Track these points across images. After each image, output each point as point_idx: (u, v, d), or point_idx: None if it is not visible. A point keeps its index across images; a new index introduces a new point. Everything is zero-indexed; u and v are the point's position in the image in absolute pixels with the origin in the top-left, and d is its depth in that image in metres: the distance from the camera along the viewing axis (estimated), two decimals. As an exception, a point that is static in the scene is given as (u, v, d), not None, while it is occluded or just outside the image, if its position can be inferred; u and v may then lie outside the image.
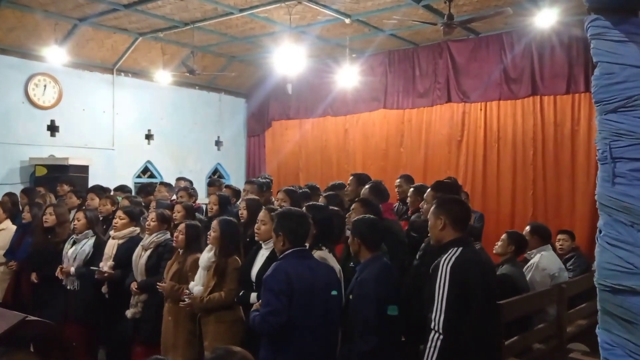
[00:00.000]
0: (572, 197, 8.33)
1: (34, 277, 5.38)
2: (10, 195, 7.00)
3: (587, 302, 4.87)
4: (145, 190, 7.35)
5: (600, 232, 1.52)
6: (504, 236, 4.63)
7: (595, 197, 1.54)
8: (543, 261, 4.73)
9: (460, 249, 2.83)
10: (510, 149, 8.96)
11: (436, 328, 2.67)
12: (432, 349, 2.67)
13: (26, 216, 6.06)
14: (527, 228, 5.04)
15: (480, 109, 9.31)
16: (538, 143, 8.70)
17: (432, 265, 2.88)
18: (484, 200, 8.88)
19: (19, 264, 5.80)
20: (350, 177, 5.69)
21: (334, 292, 3.20)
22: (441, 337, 2.65)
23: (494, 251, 4.70)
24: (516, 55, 8.83)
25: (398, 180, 6.29)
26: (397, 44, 9.94)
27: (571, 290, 4.70)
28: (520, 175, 8.85)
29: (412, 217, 4.94)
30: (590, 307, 4.78)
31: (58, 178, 7.98)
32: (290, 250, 3.17)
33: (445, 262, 2.77)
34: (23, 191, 7.31)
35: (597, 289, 1.52)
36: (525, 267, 4.74)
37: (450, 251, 2.83)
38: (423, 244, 3.89)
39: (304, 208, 3.84)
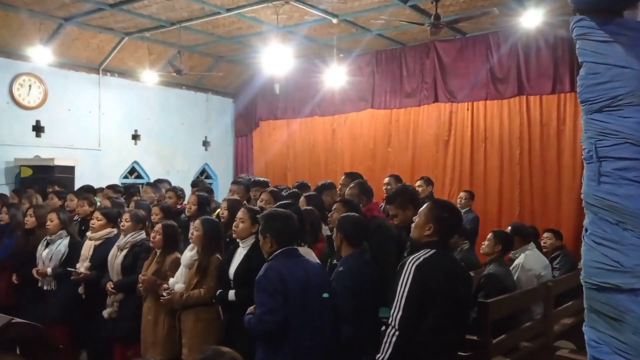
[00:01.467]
0: (559, 196, 8.42)
1: (14, 278, 5.35)
2: (1, 196, 6.92)
3: (574, 300, 4.91)
4: (128, 191, 7.31)
5: (586, 230, 1.53)
6: (490, 235, 4.65)
7: (582, 196, 1.55)
8: (528, 261, 4.76)
9: (433, 251, 2.82)
10: (497, 149, 9.02)
11: (393, 324, 2.70)
12: (387, 344, 2.71)
13: (3, 217, 5.99)
14: (508, 229, 5.06)
15: (467, 109, 9.37)
16: (524, 142, 8.77)
17: (400, 263, 2.89)
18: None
19: None
20: (343, 176, 5.70)
21: (325, 295, 3.21)
22: (397, 333, 2.68)
23: (481, 251, 4.72)
24: (502, 55, 8.90)
25: (387, 179, 6.30)
26: (385, 44, 9.97)
27: (557, 289, 4.74)
28: (507, 175, 8.92)
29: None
30: (577, 305, 4.84)
31: (44, 179, 7.90)
32: (279, 250, 3.18)
33: (412, 262, 2.77)
34: (14, 191, 7.30)
35: (584, 287, 1.54)
36: (511, 266, 4.77)
37: (421, 251, 2.84)
38: (410, 241, 3.92)
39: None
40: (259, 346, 3.12)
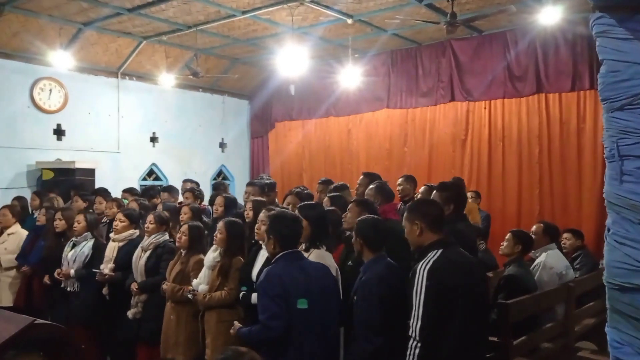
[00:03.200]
0: (579, 195, 8.30)
1: (46, 279, 5.42)
2: (19, 199, 7.05)
3: (595, 300, 4.85)
4: (147, 193, 7.39)
5: (608, 230, 1.51)
6: (508, 236, 4.60)
7: (604, 195, 1.53)
8: (549, 260, 4.71)
9: (440, 251, 2.73)
10: (516, 148, 8.93)
11: (414, 335, 2.60)
12: (410, 356, 2.61)
13: (41, 219, 6.07)
14: (540, 227, 4.98)
15: (485, 108, 9.29)
16: (544, 141, 8.67)
17: (411, 271, 2.79)
18: (490, 200, 8.86)
19: (31, 267, 5.82)
20: (361, 177, 5.68)
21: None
22: (419, 344, 2.58)
23: (500, 252, 4.68)
24: (520, 53, 8.81)
25: (400, 180, 6.28)
26: (400, 44, 9.93)
27: (579, 289, 4.68)
28: (526, 174, 8.82)
29: None
30: (599, 305, 4.77)
31: (65, 182, 8.02)
32: (281, 254, 3.17)
33: (422, 267, 2.68)
34: (35, 193, 7.40)
35: (606, 287, 1.52)
36: (532, 266, 4.72)
37: (428, 255, 2.75)
38: None
39: (296, 209, 3.87)
40: (262, 353, 3.08)
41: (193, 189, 6.81)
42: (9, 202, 7.04)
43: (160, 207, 6.13)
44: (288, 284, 3.01)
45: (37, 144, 8.87)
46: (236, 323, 3.51)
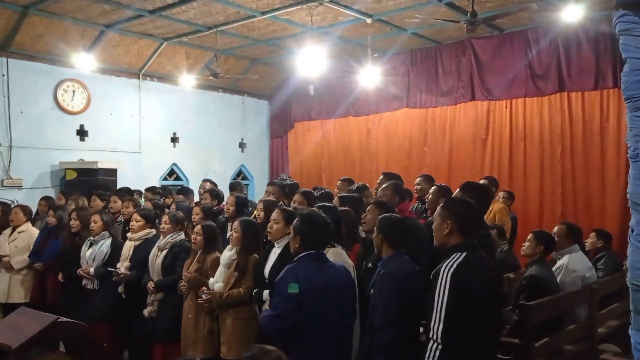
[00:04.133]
0: (602, 196, 8.17)
1: (60, 277, 5.54)
2: (46, 199, 7.20)
3: (619, 302, 4.77)
4: (160, 193, 7.52)
5: (632, 231, 1.49)
6: (530, 236, 4.55)
7: (627, 196, 1.51)
8: (572, 262, 4.63)
9: (464, 254, 2.70)
10: (537, 147, 8.82)
11: (434, 337, 2.58)
12: (430, 358, 2.60)
13: (51, 220, 6.21)
14: (563, 228, 4.89)
15: (506, 107, 9.19)
16: (566, 140, 8.55)
17: (433, 272, 2.76)
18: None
19: (44, 264, 5.95)
20: (381, 176, 5.68)
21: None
22: (440, 347, 2.56)
23: (522, 252, 4.63)
24: (542, 51, 8.70)
25: (418, 179, 6.25)
26: (420, 43, 9.88)
27: (602, 291, 4.61)
28: (548, 174, 8.71)
29: (432, 217, 4.87)
30: (622, 307, 4.69)
31: (87, 181, 8.15)
32: (304, 253, 3.18)
33: (446, 269, 2.65)
34: (62, 192, 7.58)
35: (630, 288, 1.50)
36: (554, 267, 4.66)
37: (452, 257, 2.71)
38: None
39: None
40: (277, 347, 3.13)
41: (211, 190, 6.87)
42: (33, 202, 7.23)
43: (173, 207, 6.22)
44: (305, 285, 3.02)
45: (61, 145, 9.03)
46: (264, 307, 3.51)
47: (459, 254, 2.70)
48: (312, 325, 3.02)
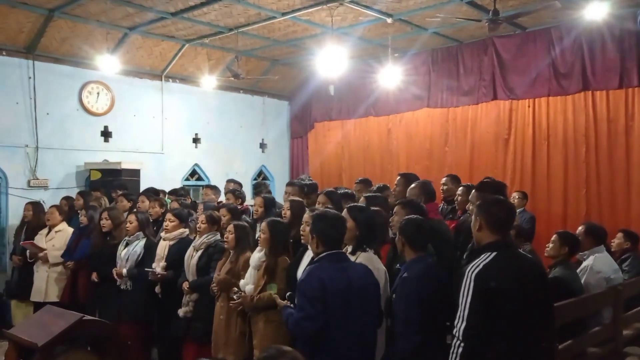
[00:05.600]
0: (627, 196, 8.02)
1: (94, 276, 5.62)
2: (67, 198, 7.35)
3: (645, 304, 4.68)
4: (177, 193, 7.61)
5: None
6: (554, 237, 4.50)
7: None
8: (597, 263, 4.57)
9: (494, 254, 2.70)
10: (561, 147, 8.69)
11: (457, 335, 2.61)
12: (453, 355, 2.62)
13: (83, 220, 6.33)
14: (582, 228, 4.84)
15: (528, 106, 9.08)
16: (590, 140, 8.41)
17: (455, 271, 2.82)
18: (534, 201, 8.62)
19: (76, 263, 6.06)
20: (398, 177, 5.63)
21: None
22: (462, 344, 2.58)
23: (546, 253, 4.58)
24: (565, 49, 8.57)
25: (444, 179, 6.21)
26: (441, 42, 9.82)
27: (627, 292, 4.55)
28: (572, 174, 8.57)
29: (463, 217, 4.84)
30: (649, 309, 4.61)
31: (112, 182, 8.28)
32: (324, 254, 3.16)
33: (471, 270, 2.67)
34: (79, 193, 7.69)
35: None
36: (579, 269, 4.59)
37: (481, 256, 2.73)
38: (470, 244, 3.84)
39: (345, 210, 3.83)
40: (299, 348, 3.08)
41: (235, 190, 6.93)
42: (59, 202, 7.37)
43: (200, 206, 6.28)
44: (327, 285, 3.01)
45: (86, 146, 9.17)
46: (280, 300, 3.50)
47: (489, 254, 2.72)
48: (335, 326, 3.00)
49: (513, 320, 2.60)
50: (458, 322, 2.63)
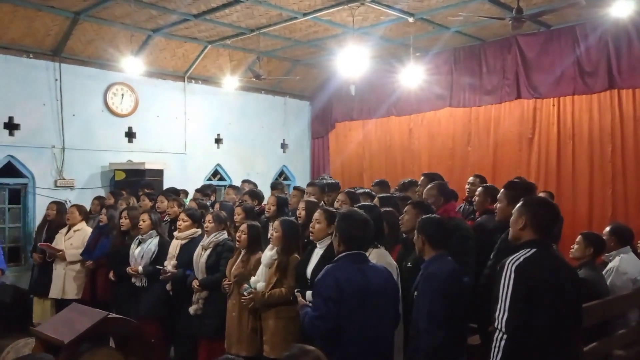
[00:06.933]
0: (655, 196, 7.86)
1: (111, 275, 5.74)
2: (99, 198, 7.51)
3: (673, 307, 4.58)
4: (204, 192, 7.72)
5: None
6: (579, 238, 4.43)
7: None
8: (623, 264, 4.48)
9: (533, 250, 2.71)
10: (587, 146, 8.54)
11: (499, 327, 2.62)
12: (496, 349, 2.62)
13: (103, 218, 6.45)
14: (607, 229, 4.77)
15: (553, 105, 8.94)
16: (617, 139, 8.25)
17: (499, 265, 2.80)
18: (558, 201, 8.44)
19: (95, 262, 6.18)
20: (422, 177, 5.62)
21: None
22: (505, 336, 2.59)
23: (571, 255, 4.51)
24: (591, 47, 8.43)
25: (471, 179, 6.15)
26: (463, 41, 9.73)
27: (655, 294, 4.44)
28: (598, 174, 8.42)
29: (480, 218, 4.80)
30: (677, 312, 4.50)
31: (136, 182, 8.41)
32: (344, 254, 3.15)
33: (512, 262, 2.68)
34: (111, 192, 7.92)
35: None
36: (605, 270, 4.51)
37: (521, 251, 2.74)
38: (497, 243, 3.83)
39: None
40: (315, 346, 3.12)
41: (250, 191, 6.98)
42: (85, 202, 7.53)
43: (217, 206, 6.34)
44: (344, 286, 2.99)
45: (110, 146, 9.32)
46: (301, 299, 3.54)
47: (529, 249, 2.73)
48: (351, 326, 3.00)
49: (550, 315, 2.61)
50: (499, 313, 2.62)
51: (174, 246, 5.37)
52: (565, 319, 2.68)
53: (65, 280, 6.36)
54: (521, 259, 2.68)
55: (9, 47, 8.20)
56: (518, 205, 2.94)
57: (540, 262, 2.68)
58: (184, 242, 5.34)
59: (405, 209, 4.22)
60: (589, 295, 3.87)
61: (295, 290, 3.86)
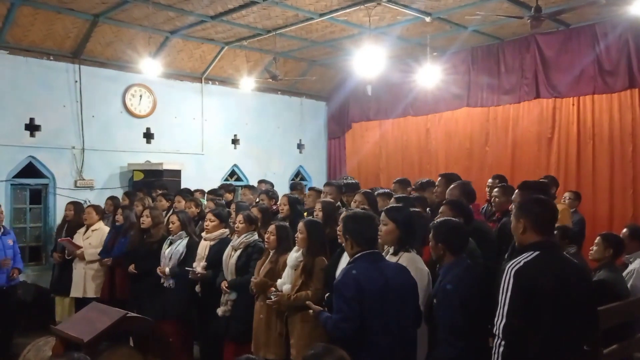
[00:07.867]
0: (677, 197, 7.71)
1: (132, 268, 5.77)
2: (112, 198, 7.59)
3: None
4: (216, 192, 7.75)
5: None
6: (598, 240, 4.38)
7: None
8: (644, 267, 4.42)
9: (536, 253, 2.66)
10: (607, 146, 8.42)
11: (497, 333, 2.59)
12: (495, 355, 2.59)
13: (119, 218, 6.53)
14: (626, 231, 4.70)
15: (573, 104, 8.83)
16: (637, 139, 8.12)
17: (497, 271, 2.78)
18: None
19: (113, 260, 6.25)
20: (439, 178, 5.56)
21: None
22: (503, 342, 2.56)
23: (590, 256, 4.46)
24: (611, 46, 8.30)
25: (490, 180, 6.10)
26: (481, 40, 9.65)
27: (677, 297, 4.35)
28: (619, 174, 8.30)
29: (505, 219, 4.74)
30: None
31: (153, 182, 8.49)
32: (360, 254, 3.14)
33: (511, 267, 2.65)
34: (125, 193, 7.99)
35: None
36: (625, 272, 4.45)
37: (523, 255, 2.69)
38: (511, 244, 3.78)
39: (382, 213, 3.78)
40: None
41: (268, 191, 7.00)
42: (104, 202, 7.62)
43: (233, 206, 6.37)
44: (364, 285, 2.99)
45: (129, 147, 9.42)
46: (314, 306, 3.52)
47: (531, 252, 2.69)
48: (373, 325, 2.99)
49: (552, 320, 2.56)
50: (498, 319, 2.60)
51: (203, 247, 5.35)
52: (572, 322, 2.62)
53: (85, 279, 6.45)
54: (521, 263, 2.64)
55: (30, 50, 8.34)
56: (514, 210, 2.91)
57: (542, 266, 2.63)
58: (212, 242, 5.31)
59: (442, 209, 4.12)
60: (609, 296, 3.82)
61: (326, 295, 3.78)
